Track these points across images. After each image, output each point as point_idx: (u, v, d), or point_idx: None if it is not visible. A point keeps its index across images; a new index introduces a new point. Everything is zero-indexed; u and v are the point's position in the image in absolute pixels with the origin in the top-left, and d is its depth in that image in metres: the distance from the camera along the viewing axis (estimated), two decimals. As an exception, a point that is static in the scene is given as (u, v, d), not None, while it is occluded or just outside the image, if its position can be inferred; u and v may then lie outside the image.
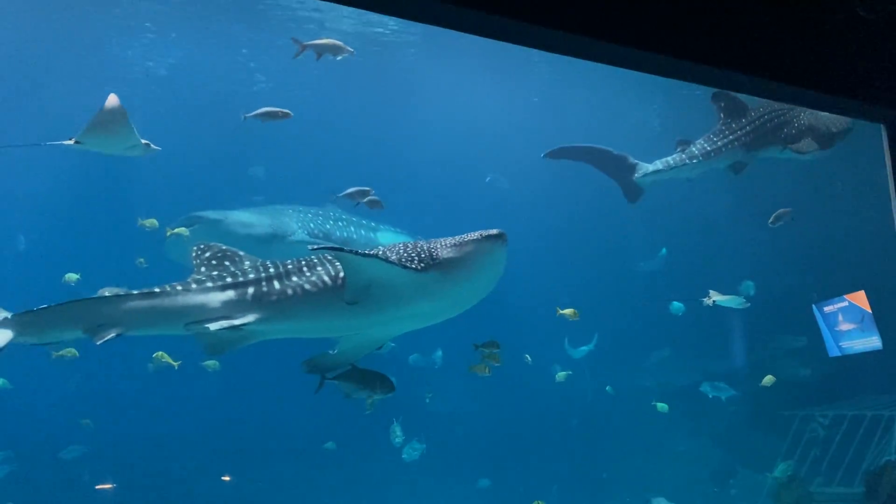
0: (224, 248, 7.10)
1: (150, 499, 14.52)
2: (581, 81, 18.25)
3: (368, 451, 16.71)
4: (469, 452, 16.62)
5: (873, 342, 7.70)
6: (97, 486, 14.50)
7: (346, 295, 6.51)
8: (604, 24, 5.49)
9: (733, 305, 10.67)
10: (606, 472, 16.07)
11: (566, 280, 17.66)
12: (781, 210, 11.74)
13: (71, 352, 11.70)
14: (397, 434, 12.68)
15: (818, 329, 8.87)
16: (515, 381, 13.42)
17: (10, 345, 6.02)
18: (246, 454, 15.70)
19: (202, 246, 7.09)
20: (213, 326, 6.32)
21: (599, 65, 5.19)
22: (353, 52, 10.75)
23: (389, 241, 13.37)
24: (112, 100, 6.75)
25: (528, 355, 12.40)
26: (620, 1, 5.53)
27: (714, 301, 10.15)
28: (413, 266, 6.51)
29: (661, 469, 16.48)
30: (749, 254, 18.95)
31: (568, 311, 10.08)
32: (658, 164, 10.88)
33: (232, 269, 6.81)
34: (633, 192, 11.07)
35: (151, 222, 10.99)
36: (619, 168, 11.01)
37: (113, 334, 6.22)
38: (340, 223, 12.98)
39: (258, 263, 6.93)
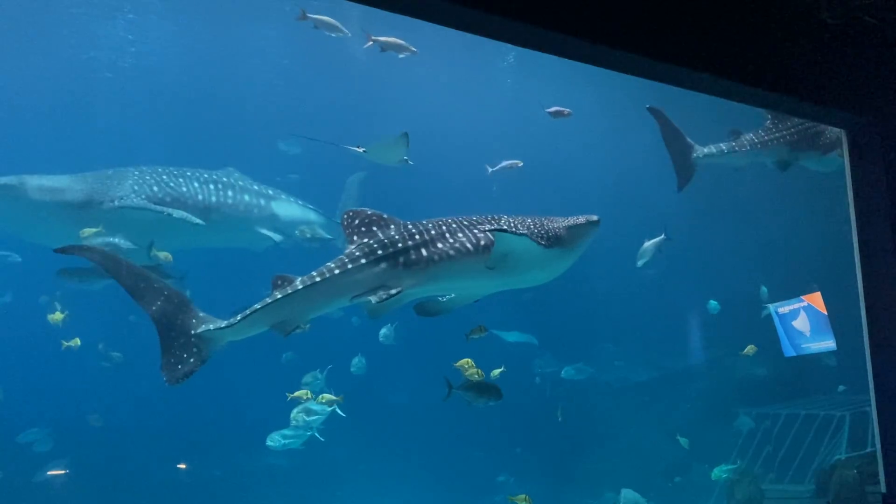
0: (370, 212, 7.56)
1: (104, 485, 14.35)
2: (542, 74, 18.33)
3: (328, 441, 16.71)
4: (425, 445, 16.65)
5: (828, 343, 7.83)
6: (49, 472, 14.26)
7: (490, 261, 7.37)
8: (574, 20, 5.50)
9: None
10: (563, 465, 16.20)
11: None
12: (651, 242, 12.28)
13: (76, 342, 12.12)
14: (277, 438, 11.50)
15: (774, 329, 9.02)
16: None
17: (219, 348, 6.81)
18: (202, 443, 15.55)
19: (351, 213, 7.56)
20: (374, 299, 6.95)
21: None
22: (416, 51, 11.29)
23: (286, 210, 12.99)
24: (403, 136, 8.46)
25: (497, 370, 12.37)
26: (598, 1, 5.55)
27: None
28: (543, 243, 7.43)
29: (617, 463, 16.67)
30: (707, 254, 19.23)
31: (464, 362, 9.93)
32: (712, 148, 11.11)
33: (380, 235, 7.38)
34: (685, 175, 11.26)
35: None
36: (681, 148, 11.19)
37: (295, 326, 6.97)
38: (212, 186, 12.06)
39: (402, 229, 7.48)
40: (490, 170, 13.03)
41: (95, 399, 15.56)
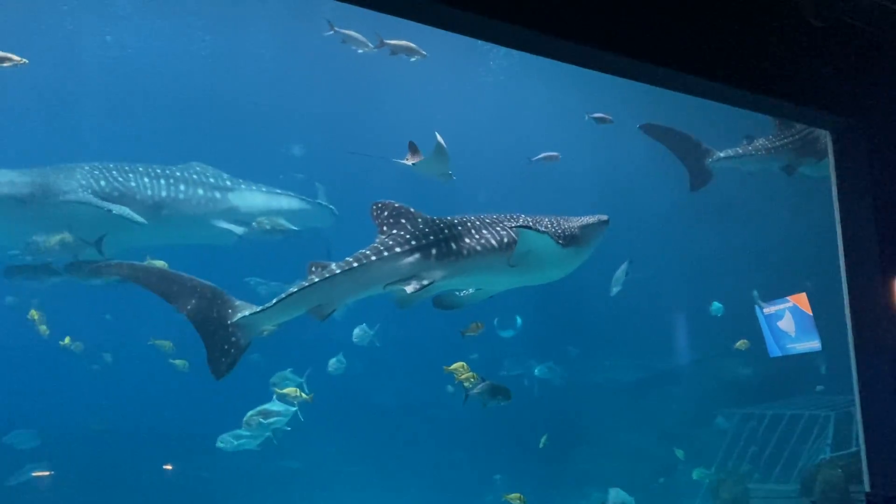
0: (397, 205, 7.72)
1: (92, 487, 14.29)
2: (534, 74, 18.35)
3: (313, 443, 16.70)
4: (413, 445, 16.66)
5: (813, 344, 7.88)
6: (34, 474, 14.19)
7: (512, 259, 7.61)
8: (559, 21, 5.52)
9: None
10: (551, 464, 16.22)
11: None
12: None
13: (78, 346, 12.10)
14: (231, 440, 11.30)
15: (760, 329, 9.09)
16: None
17: (257, 335, 6.85)
18: (189, 443, 15.48)
19: (380, 204, 7.72)
20: (409, 289, 7.14)
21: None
22: (425, 55, 11.38)
23: (247, 201, 12.59)
24: (441, 142, 8.61)
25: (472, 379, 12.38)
26: (585, 2, 5.57)
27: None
28: (560, 242, 7.68)
29: (605, 463, 16.72)
30: (695, 256, 19.31)
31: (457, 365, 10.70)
32: (729, 152, 11.19)
33: (410, 227, 7.56)
34: (699, 178, 11.32)
35: None
36: (693, 153, 11.27)
37: (332, 310, 7.05)
38: (162, 181, 11.71)
39: (430, 222, 7.66)
40: (532, 160, 13.41)
41: (81, 401, 15.49)
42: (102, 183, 11.17)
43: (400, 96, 18.49)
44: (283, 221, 12.54)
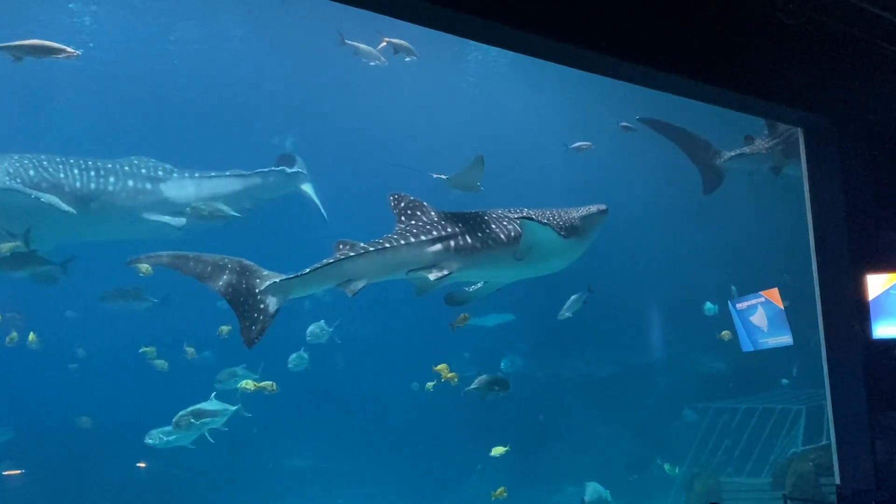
0: (411, 197, 7.97)
1: (65, 485, 14.14)
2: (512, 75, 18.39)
3: (287, 438, 16.64)
4: (388, 438, 16.63)
5: (785, 338, 7.95)
6: (4, 472, 14.02)
7: (518, 253, 7.89)
8: (537, 18, 5.52)
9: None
10: (525, 460, 16.25)
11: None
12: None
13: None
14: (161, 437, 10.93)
15: (733, 325, 9.15)
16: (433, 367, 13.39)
17: (285, 303, 6.95)
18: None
19: (397, 196, 7.96)
20: (432, 276, 7.43)
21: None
22: (417, 56, 11.95)
23: (182, 191, 12.05)
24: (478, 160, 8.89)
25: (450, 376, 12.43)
26: (563, 2, 5.58)
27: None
28: (563, 234, 7.95)
29: (579, 458, 16.78)
30: (669, 251, 19.42)
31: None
32: (737, 151, 11.22)
33: (425, 219, 7.83)
34: (712, 180, 11.36)
35: None
36: (704, 153, 11.27)
37: (361, 285, 7.21)
38: (92, 173, 11.27)
39: (444, 215, 7.91)
40: (568, 147, 13.84)
41: (52, 400, 15.32)
42: (31, 173, 10.87)
43: (375, 88, 18.40)
44: (221, 206, 12.01)
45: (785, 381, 15.96)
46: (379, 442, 16.54)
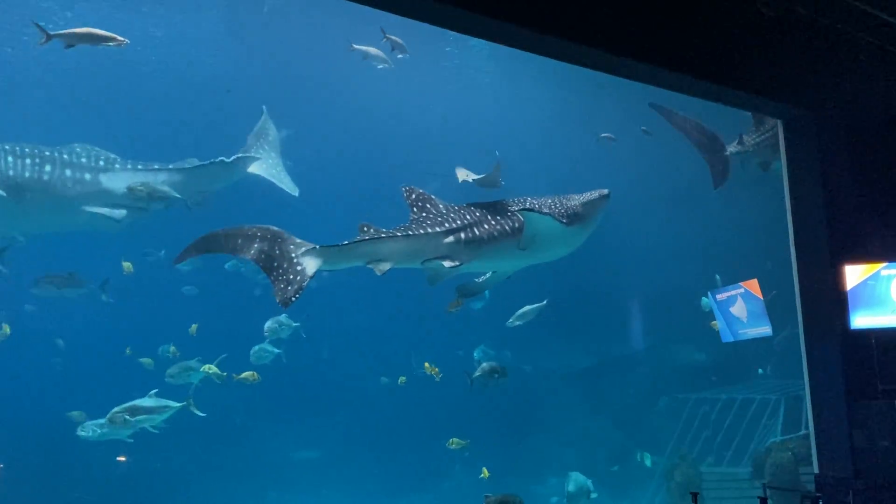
0: (420, 191, 8.23)
1: (43, 478, 14.04)
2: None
3: (269, 432, 16.60)
4: (371, 432, 16.62)
5: (764, 329, 7.99)
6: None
7: (521, 244, 8.08)
8: (518, 9, 5.51)
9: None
10: (507, 451, 16.30)
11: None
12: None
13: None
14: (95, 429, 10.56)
15: (712, 316, 9.19)
16: (419, 363, 13.39)
17: (318, 271, 7.23)
18: (140, 436, 15.25)
19: (409, 188, 8.24)
20: (447, 264, 7.72)
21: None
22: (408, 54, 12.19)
23: (122, 182, 11.37)
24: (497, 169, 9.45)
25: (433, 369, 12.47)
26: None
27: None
28: (564, 221, 8.08)
29: (561, 448, 16.86)
30: (646, 242, 19.49)
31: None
32: (738, 143, 11.12)
33: (435, 212, 8.08)
34: (720, 174, 11.27)
35: None
36: (712, 146, 11.21)
37: (387, 267, 7.49)
38: (27, 161, 10.71)
39: (452, 208, 8.17)
40: (599, 137, 14.14)
41: (29, 395, 15.19)
42: None
43: (353, 79, 18.30)
44: (162, 188, 11.35)
45: (761, 370, 16.08)
46: (364, 434, 16.54)
